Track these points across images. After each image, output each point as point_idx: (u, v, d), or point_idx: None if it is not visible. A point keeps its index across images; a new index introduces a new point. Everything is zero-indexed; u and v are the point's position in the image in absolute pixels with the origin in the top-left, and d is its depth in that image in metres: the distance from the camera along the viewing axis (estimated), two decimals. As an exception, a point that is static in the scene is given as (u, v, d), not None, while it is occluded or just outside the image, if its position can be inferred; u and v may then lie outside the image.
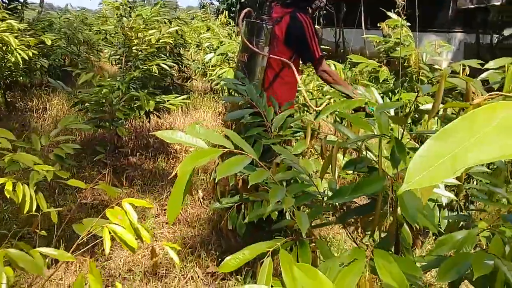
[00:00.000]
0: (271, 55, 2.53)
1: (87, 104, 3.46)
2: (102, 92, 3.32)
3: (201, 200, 3.33)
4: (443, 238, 1.16)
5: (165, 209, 3.16)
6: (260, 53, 2.53)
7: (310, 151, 3.32)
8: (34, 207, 2.07)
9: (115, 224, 1.22)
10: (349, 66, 5.17)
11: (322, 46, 3.25)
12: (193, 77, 7.54)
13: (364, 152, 1.39)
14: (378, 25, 8.23)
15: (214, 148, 1.16)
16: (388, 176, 1.21)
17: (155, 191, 3.40)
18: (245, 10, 2.62)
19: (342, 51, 10.01)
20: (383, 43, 3.50)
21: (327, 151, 1.92)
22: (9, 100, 5.66)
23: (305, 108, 4.21)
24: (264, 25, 2.53)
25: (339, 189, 1.13)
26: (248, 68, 2.59)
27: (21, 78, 5.33)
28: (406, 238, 1.27)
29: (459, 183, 1.42)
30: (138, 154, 4.17)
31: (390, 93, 3.25)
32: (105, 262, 2.47)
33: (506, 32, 7.70)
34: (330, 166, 1.36)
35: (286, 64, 2.54)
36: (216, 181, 2.19)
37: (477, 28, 8.78)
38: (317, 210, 1.44)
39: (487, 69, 1.82)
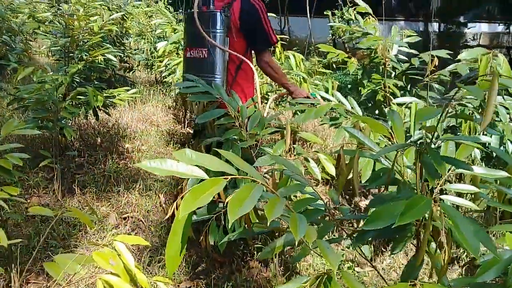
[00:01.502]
0: (229, 49, 2.31)
1: (26, 102, 3.05)
2: (45, 89, 2.93)
3: (163, 205, 3.06)
4: (490, 261, 1.02)
5: (124, 218, 2.87)
6: (222, 48, 2.28)
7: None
8: (-23, 232, 1.74)
9: (109, 273, 0.96)
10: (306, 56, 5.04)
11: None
12: (136, 68, 7.11)
13: (384, 161, 1.22)
14: (325, 13, 8.19)
15: (216, 178, 0.94)
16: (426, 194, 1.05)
17: (111, 197, 3.08)
18: None
19: (287, 40, 9.90)
20: (348, 32, 3.36)
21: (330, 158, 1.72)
22: None
23: (265, 102, 4.03)
24: (219, 13, 2.29)
25: (375, 213, 0.95)
26: (209, 66, 2.33)
27: None
28: (439, 263, 1.12)
29: (476, 190, 1.30)
30: (86, 155, 3.79)
31: (358, 86, 3.14)
32: None
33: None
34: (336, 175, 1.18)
35: (246, 57, 2.37)
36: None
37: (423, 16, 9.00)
38: (326, 227, 1.27)
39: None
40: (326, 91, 4.09)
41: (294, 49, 8.61)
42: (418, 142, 2.19)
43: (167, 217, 1.14)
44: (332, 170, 2.03)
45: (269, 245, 1.15)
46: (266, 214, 0.90)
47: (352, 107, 2.25)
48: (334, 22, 7.66)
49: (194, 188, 0.91)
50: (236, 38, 2.37)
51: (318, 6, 8.98)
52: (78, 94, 3.01)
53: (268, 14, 2.46)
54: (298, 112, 4.06)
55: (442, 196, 1.20)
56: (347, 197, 3.26)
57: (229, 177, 0.96)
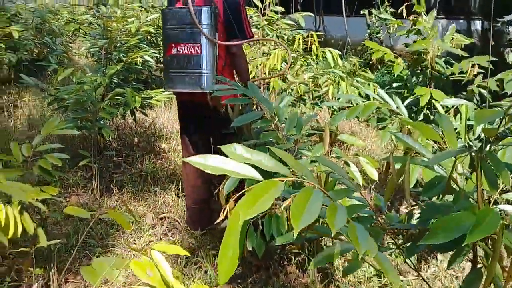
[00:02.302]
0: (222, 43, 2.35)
1: (66, 102, 3.11)
2: (84, 90, 2.97)
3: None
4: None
5: (161, 218, 2.87)
6: (217, 42, 2.32)
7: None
8: (20, 231, 1.76)
9: (146, 285, 0.93)
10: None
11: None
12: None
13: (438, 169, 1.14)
14: (362, 12, 8.02)
15: (273, 180, 0.88)
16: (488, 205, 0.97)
17: (148, 197, 3.10)
18: None
19: (322, 39, 9.77)
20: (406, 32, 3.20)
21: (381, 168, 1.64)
22: (-27, 98, 5.19)
23: (301, 102, 3.97)
24: (210, 7, 2.31)
25: (436, 226, 0.87)
26: (201, 61, 2.33)
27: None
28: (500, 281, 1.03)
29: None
30: (124, 155, 3.83)
31: (404, 90, 3.01)
32: None
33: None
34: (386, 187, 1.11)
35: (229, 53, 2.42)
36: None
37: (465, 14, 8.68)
38: (376, 235, 1.20)
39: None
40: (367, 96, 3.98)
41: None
42: (475, 148, 2.08)
43: (218, 220, 1.09)
44: (374, 175, 1.95)
45: (323, 252, 1.08)
46: (329, 223, 0.83)
47: (397, 107, 2.16)
48: (371, 21, 7.51)
49: (253, 191, 0.85)
50: (221, 30, 2.38)
51: (353, 6, 8.82)
52: (117, 95, 3.04)
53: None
54: (335, 111, 3.97)
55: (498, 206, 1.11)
56: (388, 203, 3.15)
57: (285, 179, 0.90)
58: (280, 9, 3.70)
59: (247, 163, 0.95)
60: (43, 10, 5.42)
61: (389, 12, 6.97)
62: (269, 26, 3.64)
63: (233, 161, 0.95)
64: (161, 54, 6.66)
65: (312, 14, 6.33)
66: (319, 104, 4.02)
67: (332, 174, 1.26)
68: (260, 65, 3.71)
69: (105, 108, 2.95)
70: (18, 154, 1.85)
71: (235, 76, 2.57)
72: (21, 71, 6.05)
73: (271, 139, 1.98)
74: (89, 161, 3.03)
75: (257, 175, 0.94)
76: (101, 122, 3.09)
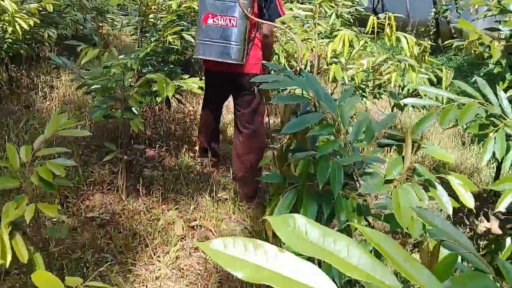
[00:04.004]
0: (256, 18, 2.50)
1: (92, 87, 2.75)
2: (111, 74, 2.59)
3: (232, 206, 2.63)
4: None
5: (192, 227, 2.48)
6: (254, 18, 2.48)
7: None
8: (9, 260, 1.40)
9: None
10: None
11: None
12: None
13: None
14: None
15: None
16: None
17: (179, 200, 2.71)
18: None
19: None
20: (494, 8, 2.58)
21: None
22: (13, 75, 4.98)
23: (362, 93, 3.43)
24: None
25: None
26: (235, 33, 2.48)
27: (23, 51, 4.62)
28: None
29: None
30: (157, 145, 3.47)
31: (494, 81, 2.42)
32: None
33: None
34: None
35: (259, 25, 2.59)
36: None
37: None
38: None
39: None
40: (436, 83, 3.39)
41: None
42: None
43: None
44: (470, 203, 1.44)
45: None
46: None
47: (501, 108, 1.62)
48: (438, -1, 6.74)
49: None
50: (255, 10, 2.54)
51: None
52: (148, 81, 2.64)
53: None
54: (398, 103, 3.41)
55: None
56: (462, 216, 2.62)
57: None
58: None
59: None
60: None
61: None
62: (328, 3, 3.11)
63: (290, 257, 0.49)
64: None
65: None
66: (380, 95, 3.47)
67: (445, 242, 0.78)
68: (315, 48, 3.20)
69: (134, 96, 2.56)
70: (15, 159, 1.49)
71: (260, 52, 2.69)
72: (64, 47, 5.85)
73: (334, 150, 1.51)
74: (115, 155, 2.67)
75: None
76: (132, 110, 2.71)
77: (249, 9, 2.45)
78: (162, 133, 3.83)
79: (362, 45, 3.28)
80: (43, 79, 5.12)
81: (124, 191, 2.67)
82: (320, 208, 1.51)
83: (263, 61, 2.63)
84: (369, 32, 3.01)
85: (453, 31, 6.86)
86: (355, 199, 1.55)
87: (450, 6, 6.76)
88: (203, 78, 3.00)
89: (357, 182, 1.60)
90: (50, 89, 4.70)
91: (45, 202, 2.34)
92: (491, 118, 1.75)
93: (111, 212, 2.53)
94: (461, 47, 2.72)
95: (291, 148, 1.70)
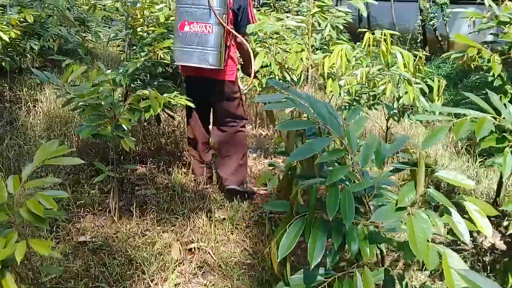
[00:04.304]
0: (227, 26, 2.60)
1: (81, 103, 2.63)
2: (99, 91, 2.48)
3: (230, 226, 2.54)
4: None
5: (190, 250, 2.37)
6: (226, 26, 2.59)
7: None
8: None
9: None
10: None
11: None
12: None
13: None
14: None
15: None
16: None
17: (175, 220, 2.60)
18: None
19: (365, 27, 9.04)
20: (487, 21, 2.55)
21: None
22: (-7, 89, 4.81)
23: (356, 104, 3.37)
24: None
25: None
26: (211, 40, 2.58)
27: (4, 63, 4.46)
28: None
29: None
30: (149, 161, 3.36)
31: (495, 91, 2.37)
32: None
33: None
34: None
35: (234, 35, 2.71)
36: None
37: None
38: None
39: None
40: (426, 92, 3.35)
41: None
42: None
43: None
44: (488, 231, 1.39)
45: None
46: None
47: None
48: (424, 6, 6.77)
49: None
50: (230, 15, 2.65)
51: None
52: (139, 98, 2.54)
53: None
54: (396, 114, 3.36)
55: None
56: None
57: None
58: (333, -6, 3.11)
59: None
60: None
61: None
62: (321, 14, 3.05)
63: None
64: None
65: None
66: (375, 106, 3.42)
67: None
68: (309, 61, 3.13)
69: (125, 114, 2.45)
70: (2, 191, 1.38)
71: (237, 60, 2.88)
72: (47, 59, 5.68)
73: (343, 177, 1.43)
74: (106, 177, 2.55)
75: None
76: (122, 129, 2.60)
77: (224, 16, 2.57)
78: (152, 148, 3.72)
79: (357, 60, 3.23)
80: (26, 92, 4.96)
81: (116, 212, 2.56)
82: (330, 236, 1.44)
83: (250, 70, 2.82)
84: (365, 47, 2.96)
85: (439, 38, 6.90)
86: (367, 226, 1.48)
87: (436, 14, 6.79)
88: None
89: (366, 206, 1.53)
90: (34, 103, 4.54)
91: (36, 234, 2.23)
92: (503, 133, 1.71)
93: (103, 235, 2.41)
94: (457, 58, 2.68)
95: (297, 174, 1.62)
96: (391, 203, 1.46)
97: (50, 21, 4.60)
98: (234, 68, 2.81)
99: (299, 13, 5.24)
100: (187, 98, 2.74)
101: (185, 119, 4.23)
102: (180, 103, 2.97)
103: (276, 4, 6.09)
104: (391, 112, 3.29)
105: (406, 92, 3.25)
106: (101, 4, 4.56)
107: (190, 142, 3.09)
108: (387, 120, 3.55)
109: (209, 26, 2.56)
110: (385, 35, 2.88)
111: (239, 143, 2.91)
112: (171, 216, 2.63)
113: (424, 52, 3.43)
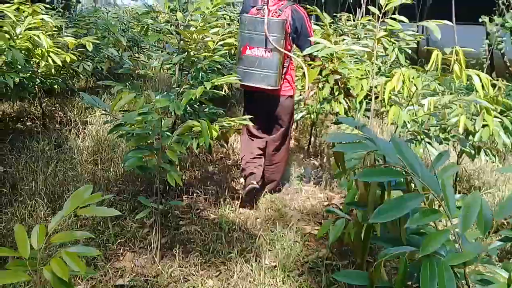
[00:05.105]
0: (286, 51, 2.87)
1: (127, 134, 2.47)
2: (147, 121, 2.30)
3: (282, 275, 2.25)
4: None
5: (236, 301, 2.11)
6: (283, 51, 2.84)
7: None
8: None
9: None
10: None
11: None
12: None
13: None
14: (481, 20, 6.75)
15: None
16: None
17: (220, 265, 2.35)
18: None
19: (426, 50, 8.58)
20: None
21: None
22: (45, 109, 4.82)
23: (424, 138, 3.02)
24: (283, 21, 2.82)
25: None
26: (270, 63, 2.83)
27: (56, 85, 4.45)
28: None
29: None
30: (195, 193, 3.15)
31: None
32: None
33: None
34: None
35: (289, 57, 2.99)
36: None
37: None
38: None
39: None
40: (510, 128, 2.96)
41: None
42: None
43: None
44: None
45: None
46: None
47: None
48: (491, 30, 6.29)
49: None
50: (287, 40, 2.91)
51: (467, 11, 7.57)
52: (189, 129, 2.34)
53: (402, 19, 2.75)
54: (470, 152, 2.98)
55: None
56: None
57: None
58: (402, 18, 2.81)
59: None
60: (121, 17, 4.94)
61: (517, 19, 5.76)
62: (388, 38, 2.76)
63: None
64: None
65: (413, 22, 5.30)
66: (447, 141, 3.05)
67: None
68: (372, 88, 2.84)
69: (173, 146, 2.25)
70: (25, 247, 1.18)
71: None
72: (100, 80, 5.69)
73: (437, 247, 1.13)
74: (148, 213, 2.35)
75: None
76: (169, 162, 2.39)
77: (282, 41, 2.81)
78: (199, 176, 3.53)
79: (425, 85, 2.90)
80: (76, 114, 4.95)
81: (158, 253, 2.34)
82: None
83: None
84: (432, 69, 2.64)
85: (508, 64, 6.37)
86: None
87: (504, 38, 6.29)
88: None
89: (466, 282, 1.21)
90: (84, 125, 4.49)
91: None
92: None
93: (143, 279, 2.19)
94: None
95: (375, 233, 1.33)
96: (500, 283, 1.14)
97: (105, 42, 4.56)
98: (291, 86, 3.07)
99: (356, 35, 4.95)
100: (244, 105, 3.22)
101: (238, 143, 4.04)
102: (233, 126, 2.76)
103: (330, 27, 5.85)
104: (467, 148, 2.92)
105: (484, 126, 2.88)
106: (154, 27, 4.49)
107: (244, 161, 3.18)
108: (459, 156, 3.17)
109: (268, 51, 2.81)
110: (457, 53, 2.55)
111: (282, 158, 3.23)
112: (216, 259, 2.38)
113: (492, 79, 3.04)
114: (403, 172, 1.20)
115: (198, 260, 2.35)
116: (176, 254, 2.36)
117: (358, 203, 1.40)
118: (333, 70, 3.23)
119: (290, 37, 2.93)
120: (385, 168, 1.19)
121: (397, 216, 1.11)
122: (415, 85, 2.62)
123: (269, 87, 2.85)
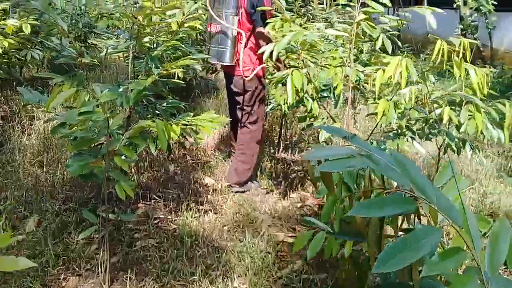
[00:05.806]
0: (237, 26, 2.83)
1: (69, 136, 2.08)
2: (91, 121, 1.92)
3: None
4: None
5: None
6: (231, 27, 2.81)
7: None
8: None
9: None
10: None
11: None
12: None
13: None
14: (455, 3, 6.57)
15: None
16: None
17: (181, 287, 2.02)
18: None
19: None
20: None
21: None
22: (-13, 103, 4.31)
23: (406, 131, 2.76)
24: None
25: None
26: (221, 39, 2.87)
27: (-1, 73, 3.95)
28: None
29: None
30: (153, 198, 2.79)
31: None
32: None
33: None
34: None
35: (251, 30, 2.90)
36: None
37: None
38: None
39: None
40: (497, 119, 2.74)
41: (406, 47, 7.10)
42: None
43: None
44: None
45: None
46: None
47: None
48: (465, 14, 6.12)
49: None
50: (244, 15, 2.84)
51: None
52: (141, 130, 1.97)
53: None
54: (454, 144, 2.74)
55: None
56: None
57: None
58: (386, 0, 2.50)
59: None
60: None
61: (491, 3, 5.59)
62: (368, 22, 2.46)
63: None
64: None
65: (386, 5, 4.99)
66: (432, 136, 2.80)
67: None
68: (350, 77, 2.55)
69: (122, 152, 1.89)
70: None
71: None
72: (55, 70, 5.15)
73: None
74: (95, 230, 1.99)
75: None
76: (118, 173, 2.02)
77: (234, 17, 2.82)
78: (158, 177, 3.17)
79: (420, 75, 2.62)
80: (23, 106, 4.45)
81: (106, 276, 1.99)
82: None
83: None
84: (432, 60, 2.36)
85: (481, 49, 6.23)
86: None
87: (478, 22, 6.13)
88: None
89: None
90: (30, 121, 4.02)
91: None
92: None
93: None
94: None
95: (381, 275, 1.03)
96: None
97: (44, 28, 4.08)
98: (250, 65, 2.93)
99: (328, 20, 4.65)
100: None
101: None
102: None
103: (300, 11, 5.53)
104: (451, 142, 2.67)
105: (470, 118, 2.64)
106: (107, 13, 4.03)
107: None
108: (442, 150, 2.93)
109: (219, 27, 2.86)
110: (463, 46, 2.28)
111: (252, 142, 3.05)
112: (177, 281, 2.04)
113: (491, 69, 2.80)
114: (413, 199, 0.90)
115: (155, 283, 2.01)
116: (129, 277, 2.01)
117: (349, 232, 1.10)
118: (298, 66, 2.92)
119: (248, 13, 2.84)
120: (393, 196, 0.88)
121: (412, 261, 0.81)
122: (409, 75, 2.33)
123: (224, 63, 2.89)
